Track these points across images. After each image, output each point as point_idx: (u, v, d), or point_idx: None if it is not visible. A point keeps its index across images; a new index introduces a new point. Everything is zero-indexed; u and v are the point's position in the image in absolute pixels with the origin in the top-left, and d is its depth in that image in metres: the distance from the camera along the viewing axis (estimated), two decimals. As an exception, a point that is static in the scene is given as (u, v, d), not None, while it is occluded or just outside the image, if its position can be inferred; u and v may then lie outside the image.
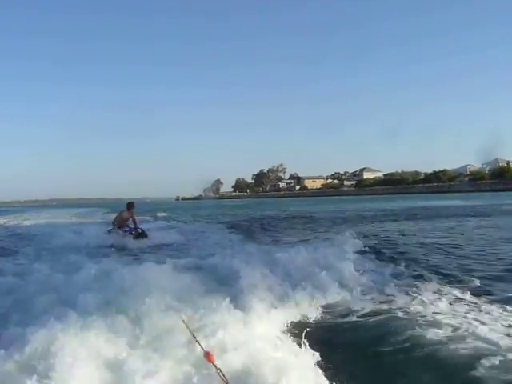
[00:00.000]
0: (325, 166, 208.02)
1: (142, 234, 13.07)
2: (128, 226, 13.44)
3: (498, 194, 51.27)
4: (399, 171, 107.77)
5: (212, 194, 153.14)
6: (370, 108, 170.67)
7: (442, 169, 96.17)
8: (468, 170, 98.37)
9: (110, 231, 13.56)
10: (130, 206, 13.80)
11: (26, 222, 25.91)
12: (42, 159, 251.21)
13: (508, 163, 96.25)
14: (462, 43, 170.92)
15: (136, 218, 13.85)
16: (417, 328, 3.98)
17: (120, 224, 13.55)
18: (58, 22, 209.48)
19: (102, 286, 4.60)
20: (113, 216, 17.30)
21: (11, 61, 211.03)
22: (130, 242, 12.22)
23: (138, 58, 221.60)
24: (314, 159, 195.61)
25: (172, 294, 4.14)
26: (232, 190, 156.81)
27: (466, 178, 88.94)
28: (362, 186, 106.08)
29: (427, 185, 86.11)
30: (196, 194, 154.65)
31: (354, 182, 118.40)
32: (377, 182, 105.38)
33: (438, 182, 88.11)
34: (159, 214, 28.64)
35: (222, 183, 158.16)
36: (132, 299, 3.98)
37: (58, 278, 5.54)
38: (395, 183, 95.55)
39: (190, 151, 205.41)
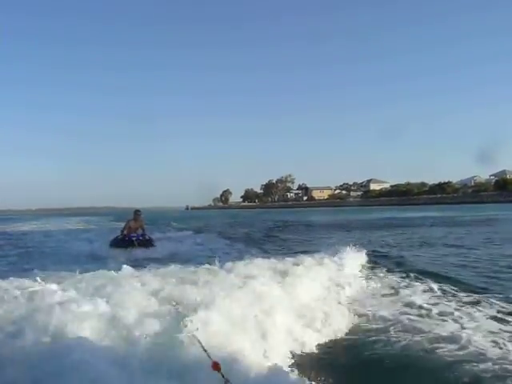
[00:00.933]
0: (335, 177, 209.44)
1: (149, 242, 13.04)
2: (137, 233, 13.25)
3: (497, 205, 52.32)
4: (408, 181, 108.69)
5: (221, 204, 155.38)
6: (382, 118, 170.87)
7: (449, 180, 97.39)
8: (473, 182, 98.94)
9: (116, 238, 13.51)
10: (137, 214, 13.70)
11: (39, 228, 28.34)
12: (55, 169, 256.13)
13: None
14: (474, 54, 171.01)
15: (145, 226, 13.84)
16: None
17: (129, 232, 13.38)
18: (63, 28, 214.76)
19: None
20: (118, 223, 18.35)
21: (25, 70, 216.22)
22: (135, 250, 12.14)
23: (150, 67, 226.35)
24: (325, 170, 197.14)
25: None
26: (241, 199, 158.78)
27: (470, 190, 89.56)
28: (367, 197, 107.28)
29: (431, 196, 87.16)
30: (205, 204, 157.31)
31: (360, 193, 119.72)
32: (382, 193, 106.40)
33: (443, 193, 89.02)
34: (170, 224, 29.86)
35: (231, 193, 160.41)
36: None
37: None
38: (400, 194, 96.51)
39: (200, 161, 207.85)
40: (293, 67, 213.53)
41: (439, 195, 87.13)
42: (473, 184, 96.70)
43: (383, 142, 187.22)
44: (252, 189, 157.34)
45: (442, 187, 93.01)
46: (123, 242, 12.97)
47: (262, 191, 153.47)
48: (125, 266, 6.19)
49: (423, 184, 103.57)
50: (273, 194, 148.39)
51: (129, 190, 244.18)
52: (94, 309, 3.78)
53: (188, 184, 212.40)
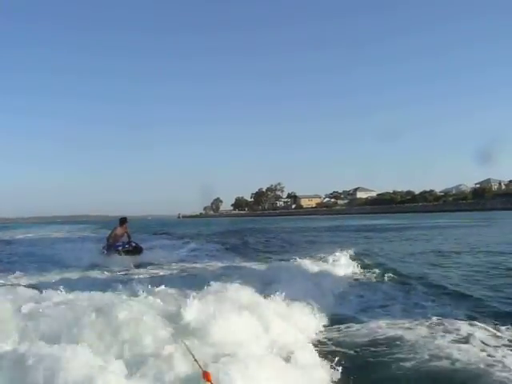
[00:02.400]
0: (325, 185, 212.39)
1: (135, 250, 13.14)
2: (122, 241, 13.44)
3: (469, 213, 54.97)
4: (394, 190, 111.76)
5: (212, 212, 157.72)
6: (373, 125, 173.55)
7: (434, 188, 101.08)
8: (454, 190, 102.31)
9: (104, 247, 13.55)
10: (123, 221, 13.86)
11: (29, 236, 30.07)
12: (48, 177, 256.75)
13: (500, 183, 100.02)
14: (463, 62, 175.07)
15: (130, 233, 13.95)
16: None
17: (115, 240, 13.54)
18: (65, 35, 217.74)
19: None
20: (104, 231, 19.26)
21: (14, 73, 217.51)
22: (122, 258, 12.17)
23: (139, 74, 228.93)
24: (317, 178, 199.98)
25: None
26: (232, 208, 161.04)
27: (451, 198, 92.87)
28: (353, 205, 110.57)
29: (413, 204, 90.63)
30: (197, 212, 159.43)
31: (346, 201, 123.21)
32: (368, 202, 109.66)
33: (425, 201, 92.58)
34: (161, 231, 31.44)
35: (221, 201, 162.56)
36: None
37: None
38: (385, 203, 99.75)
39: (191, 170, 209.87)
40: (290, 75, 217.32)
41: (421, 203, 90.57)
42: (454, 192, 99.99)
43: (376, 150, 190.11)
44: (242, 197, 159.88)
45: (423, 196, 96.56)
46: (110, 250, 13.19)
47: (252, 199, 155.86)
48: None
49: (409, 192, 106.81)
50: (263, 203, 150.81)
51: (122, 199, 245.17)
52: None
53: (180, 193, 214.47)
